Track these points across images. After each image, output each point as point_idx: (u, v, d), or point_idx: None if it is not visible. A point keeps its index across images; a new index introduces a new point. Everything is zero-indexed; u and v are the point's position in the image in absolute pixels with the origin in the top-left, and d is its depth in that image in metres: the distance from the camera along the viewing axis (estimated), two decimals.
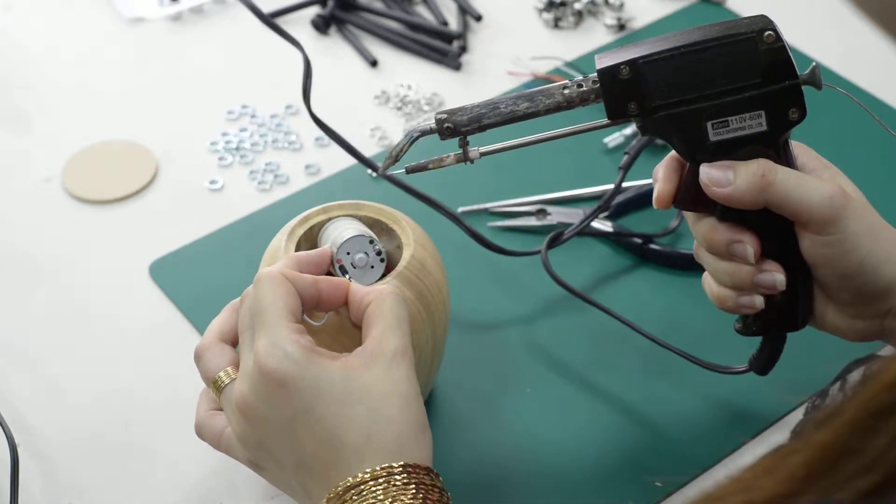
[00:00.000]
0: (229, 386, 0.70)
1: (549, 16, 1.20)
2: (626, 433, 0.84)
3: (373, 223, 0.81)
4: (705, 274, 0.75)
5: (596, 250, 0.97)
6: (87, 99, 1.14)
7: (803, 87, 0.70)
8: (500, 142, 0.73)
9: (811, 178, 0.70)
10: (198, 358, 0.73)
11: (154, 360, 0.91)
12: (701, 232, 0.73)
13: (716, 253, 0.73)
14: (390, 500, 0.64)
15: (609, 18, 1.19)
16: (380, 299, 0.70)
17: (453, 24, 1.19)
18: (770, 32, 0.69)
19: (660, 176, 0.73)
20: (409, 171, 0.73)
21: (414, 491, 0.64)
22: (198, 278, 0.96)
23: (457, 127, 0.71)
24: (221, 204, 1.03)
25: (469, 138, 0.72)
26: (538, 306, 0.93)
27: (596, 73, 0.70)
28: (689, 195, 0.72)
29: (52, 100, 1.14)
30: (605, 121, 0.71)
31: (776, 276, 0.72)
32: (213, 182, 1.05)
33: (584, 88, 0.70)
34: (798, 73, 0.70)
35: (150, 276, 0.97)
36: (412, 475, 0.65)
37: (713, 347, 0.85)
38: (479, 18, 1.19)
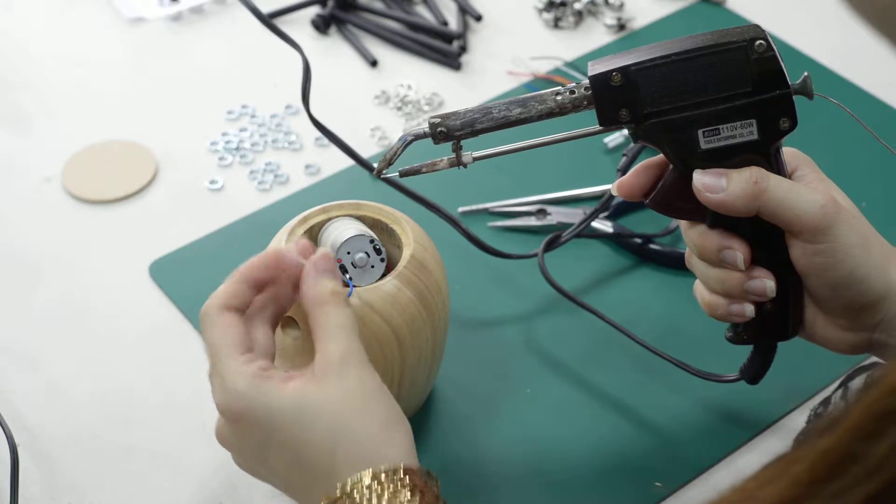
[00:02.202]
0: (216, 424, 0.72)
1: (549, 16, 1.20)
2: (625, 434, 0.84)
3: (373, 223, 0.81)
4: (697, 282, 0.75)
5: (596, 250, 0.97)
6: (87, 99, 1.14)
7: (796, 96, 0.70)
8: (494, 147, 0.73)
9: (803, 187, 0.70)
10: (201, 323, 0.73)
11: (154, 360, 0.91)
12: (692, 238, 0.73)
13: (707, 259, 0.73)
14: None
15: (609, 18, 1.19)
16: (316, 311, 0.69)
17: (453, 24, 1.19)
18: (761, 42, 0.69)
19: (635, 168, 0.74)
20: (403, 174, 0.73)
21: (391, 493, 0.64)
22: (198, 278, 0.96)
23: (450, 131, 0.71)
24: (221, 204, 1.03)
25: (463, 143, 0.72)
26: (538, 307, 0.93)
27: (588, 80, 0.70)
28: (668, 198, 0.72)
29: (52, 100, 1.14)
30: (598, 127, 0.71)
31: (766, 282, 0.72)
32: (213, 182, 1.05)
33: (577, 95, 0.70)
34: (790, 82, 0.69)
35: (150, 276, 0.97)
36: (388, 479, 0.64)
37: (712, 347, 0.85)
38: (479, 18, 1.19)
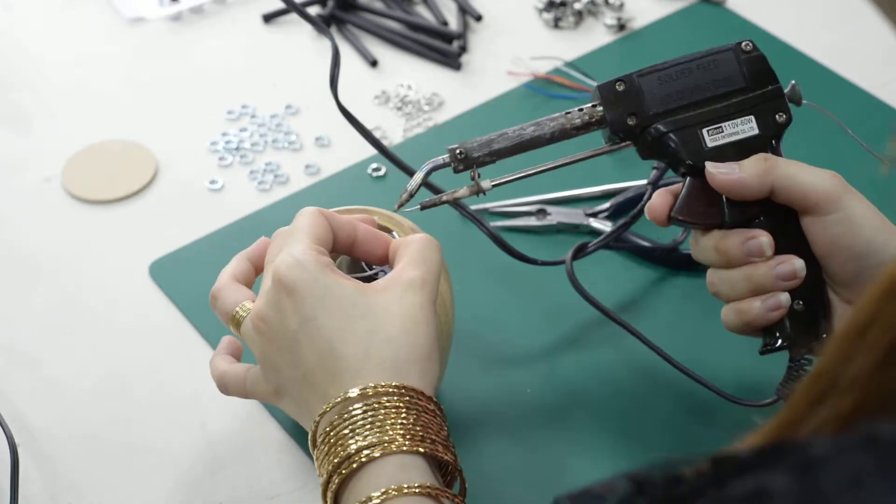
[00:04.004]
0: (248, 318, 0.72)
1: (549, 16, 1.20)
2: (629, 436, 0.84)
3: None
4: (724, 308, 0.75)
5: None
6: (87, 99, 1.14)
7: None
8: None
9: (809, 166, 0.73)
10: (214, 298, 0.75)
11: (154, 360, 0.91)
12: (710, 245, 0.74)
13: (730, 260, 0.74)
14: (380, 420, 0.65)
15: (609, 18, 1.19)
16: (408, 240, 0.72)
17: (453, 24, 1.19)
18: (748, 42, 0.76)
19: (658, 192, 0.76)
20: (424, 207, 0.75)
21: (405, 413, 0.65)
22: (198, 278, 0.96)
23: (468, 153, 0.74)
24: (221, 204, 1.03)
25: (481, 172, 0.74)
26: (542, 308, 0.93)
27: (596, 92, 0.75)
28: (688, 207, 0.75)
29: (52, 100, 1.14)
30: (607, 146, 0.76)
31: (794, 262, 0.73)
32: (213, 182, 1.05)
33: (585, 111, 0.75)
34: (779, 80, 0.75)
35: (150, 276, 0.97)
36: (404, 397, 0.66)
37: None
38: (479, 18, 1.19)
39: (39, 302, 0.95)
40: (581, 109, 0.75)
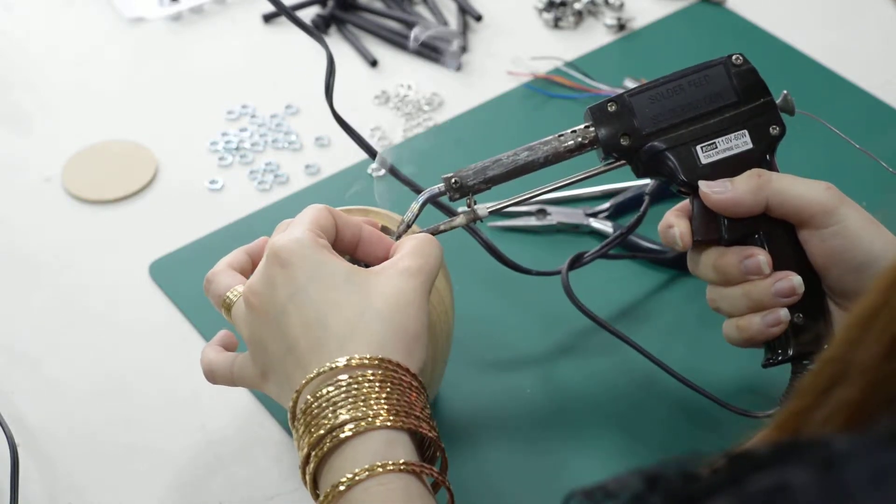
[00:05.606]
0: (238, 301, 0.72)
1: (549, 16, 1.20)
2: (629, 439, 0.84)
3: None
4: (725, 323, 0.75)
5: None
6: (87, 99, 1.14)
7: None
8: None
9: (803, 179, 0.73)
10: (208, 282, 0.76)
11: (154, 360, 0.91)
12: (709, 263, 0.74)
13: (729, 278, 0.74)
14: (364, 394, 0.64)
15: (609, 18, 1.19)
16: (407, 237, 0.72)
17: (453, 24, 1.20)
18: (738, 56, 0.75)
19: (672, 220, 0.75)
20: None
21: (390, 388, 0.65)
22: (198, 278, 0.95)
23: (463, 182, 0.74)
24: (221, 204, 1.03)
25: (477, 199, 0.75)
26: (541, 313, 0.92)
27: (588, 114, 0.75)
28: (701, 226, 0.74)
29: (52, 100, 1.14)
30: (602, 166, 0.76)
31: (793, 279, 0.72)
32: (213, 182, 1.05)
33: (578, 132, 0.75)
34: (770, 92, 0.74)
35: (150, 276, 0.97)
36: (388, 371, 0.66)
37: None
38: (479, 18, 1.19)
39: (39, 302, 0.95)
40: (574, 131, 0.75)
